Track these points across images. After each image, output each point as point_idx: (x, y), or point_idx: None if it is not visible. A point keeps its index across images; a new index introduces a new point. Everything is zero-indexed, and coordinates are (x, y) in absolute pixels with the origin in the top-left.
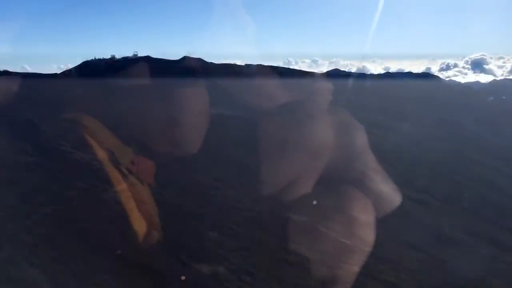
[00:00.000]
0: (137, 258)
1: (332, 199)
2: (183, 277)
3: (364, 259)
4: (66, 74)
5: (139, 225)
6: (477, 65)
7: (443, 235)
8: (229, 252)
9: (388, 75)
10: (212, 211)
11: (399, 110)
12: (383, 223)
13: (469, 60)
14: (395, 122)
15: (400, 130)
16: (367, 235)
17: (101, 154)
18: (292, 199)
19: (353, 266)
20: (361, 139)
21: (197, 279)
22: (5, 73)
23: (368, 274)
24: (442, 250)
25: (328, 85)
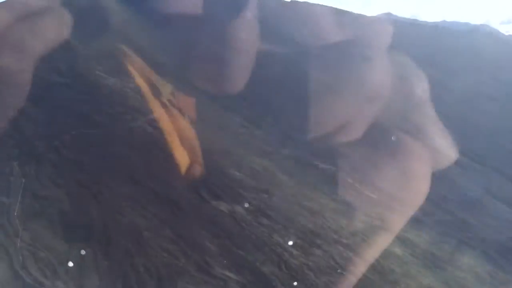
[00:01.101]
0: (157, 189)
1: (368, 151)
2: None
3: (387, 214)
4: None
5: (182, 157)
6: None
7: (475, 199)
8: (249, 192)
9: (443, 24)
10: (237, 151)
11: (450, 64)
12: (418, 180)
13: None
14: (444, 76)
15: (449, 86)
16: (397, 191)
17: (141, 83)
18: (328, 146)
19: (374, 220)
20: (421, 88)
21: (214, 217)
22: None
23: (384, 227)
24: (470, 213)
25: (386, 28)
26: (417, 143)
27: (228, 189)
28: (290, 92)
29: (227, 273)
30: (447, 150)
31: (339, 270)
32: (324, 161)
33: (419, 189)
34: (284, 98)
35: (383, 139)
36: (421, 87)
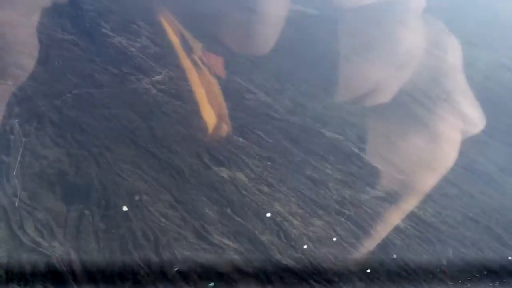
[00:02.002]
0: (158, 153)
1: (391, 121)
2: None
3: (391, 186)
4: None
5: (209, 116)
6: None
7: (485, 174)
8: (252, 159)
9: None
10: (241, 116)
11: (472, 33)
12: (427, 152)
13: None
14: (465, 46)
15: (470, 57)
16: (405, 162)
17: (174, 39)
18: (337, 114)
19: (377, 192)
20: (454, 55)
21: (215, 183)
22: None
23: (390, 201)
24: (478, 188)
25: None
26: (446, 109)
27: (230, 155)
28: (305, 57)
29: (225, 241)
30: (476, 119)
31: (334, 239)
32: (332, 130)
33: (447, 154)
34: (298, 63)
35: (412, 104)
36: (454, 54)
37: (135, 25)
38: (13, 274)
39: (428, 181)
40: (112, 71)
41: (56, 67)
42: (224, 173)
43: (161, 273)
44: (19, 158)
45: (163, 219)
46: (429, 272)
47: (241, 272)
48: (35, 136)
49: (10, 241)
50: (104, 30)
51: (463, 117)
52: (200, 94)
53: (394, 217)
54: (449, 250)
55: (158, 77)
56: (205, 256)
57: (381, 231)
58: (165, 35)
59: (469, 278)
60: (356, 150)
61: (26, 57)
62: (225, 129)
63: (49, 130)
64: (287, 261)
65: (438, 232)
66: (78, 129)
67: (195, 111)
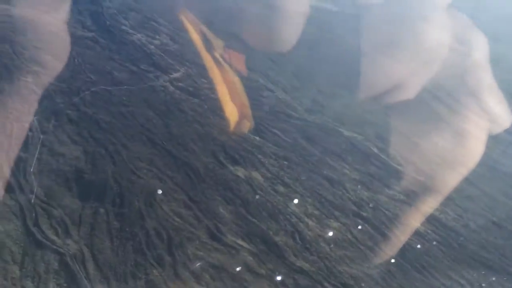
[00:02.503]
0: (174, 152)
1: (418, 114)
2: None
3: (411, 187)
4: None
5: (231, 113)
6: None
7: (509, 176)
8: (268, 159)
9: None
10: (258, 114)
11: (498, 29)
12: (449, 152)
13: None
14: (490, 42)
15: (495, 54)
16: (425, 163)
17: (195, 37)
18: (356, 113)
19: (396, 193)
20: (479, 52)
21: (230, 182)
22: None
23: (410, 203)
24: (501, 190)
25: None
26: (470, 107)
27: (246, 154)
28: (325, 54)
29: (239, 241)
30: (500, 117)
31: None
32: (351, 129)
33: (470, 155)
34: (318, 61)
35: (434, 102)
36: (479, 50)
37: (154, 23)
38: (27, 271)
39: (450, 183)
40: (131, 68)
41: (75, 64)
42: (240, 172)
43: (174, 273)
44: (36, 155)
45: (177, 218)
46: (449, 277)
47: (254, 274)
48: (52, 133)
49: (25, 238)
50: (123, 27)
51: (487, 116)
52: (222, 91)
53: (413, 220)
54: (468, 255)
55: (176, 75)
56: (218, 257)
57: (400, 234)
58: (184, 32)
59: (490, 284)
60: (375, 150)
61: (46, 54)
62: (247, 125)
63: (66, 127)
64: (301, 263)
65: (459, 236)
66: (95, 127)
67: (213, 109)
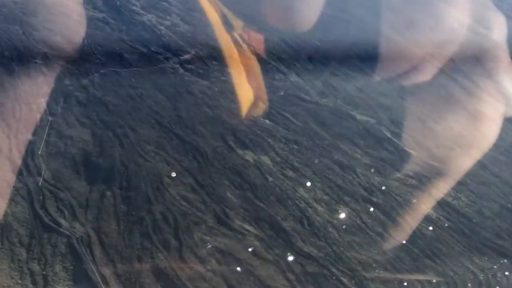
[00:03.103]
0: (183, 135)
1: (433, 96)
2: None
3: (424, 172)
4: None
5: (246, 94)
6: None
7: None
8: (278, 142)
9: None
10: (269, 97)
11: None
12: (464, 137)
13: None
14: (510, 22)
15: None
16: (440, 148)
17: (213, 16)
18: (370, 97)
19: (408, 178)
20: (498, 32)
21: (239, 166)
22: None
23: (422, 188)
24: None
25: None
26: (487, 87)
27: (256, 138)
28: (342, 36)
29: (246, 226)
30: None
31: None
32: (364, 112)
33: (486, 140)
34: (334, 42)
35: (451, 85)
36: (498, 31)
37: (165, 3)
38: (34, 253)
39: (464, 168)
40: (141, 50)
41: (85, 46)
42: (249, 156)
43: (180, 257)
44: (44, 137)
45: (184, 203)
46: (460, 264)
47: (261, 259)
48: (61, 115)
49: (32, 221)
50: (134, 8)
51: (505, 99)
52: (239, 72)
53: (425, 206)
54: (481, 242)
55: (187, 57)
56: (225, 241)
57: (410, 220)
58: (195, 13)
59: (502, 272)
60: (389, 134)
61: (57, 36)
62: (262, 108)
63: (75, 109)
64: (309, 248)
65: (472, 224)
66: (104, 109)
67: (223, 92)
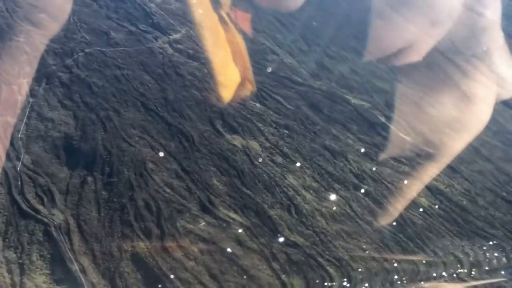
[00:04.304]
0: (169, 118)
1: (425, 76)
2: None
3: (418, 159)
4: None
5: (232, 74)
6: None
7: None
8: (268, 127)
9: None
10: (261, 79)
11: None
12: (459, 122)
13: None
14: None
15: (510, 13)
16: (434, 133)
17: None
18: (365, 80)
19: (402, 165)
20: (494, 11)
21: (226, 152)
22: None
23: (415, 176)
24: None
25: None
26: (482, 68)
27: (245, 122)
28: (336, 15)
29: (231, 214)
30: None
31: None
32: (358, 96)
33: (481, 125)
34: (328, 22)
35: (445, 64)
36: (493, 9)
37: None
38: (10, 241)
39: (458, 155)
40: (129, 28)
41: (70, 24)
42: (237, 141)
43: (161, 246)
44: (24, 120)
45: (167, 189)
46: (451, 254)
47: (245, 248)
48: (42, 97)
49: (9, 207)
50: None
51: (499, 78)
52: (225, 51)
53: (417, 194)
54: (474, 231)
55: (176, 36)
56: (209, 230)
57: (401, 209)
58: None
59: (490, 260)
60: (383, 119)
61: (40, 12)
62: (249, 89)
63: (57, 90)
64: (296, 237)
65: (465, 212)
66: (87, 90)
67: (212, 74)
